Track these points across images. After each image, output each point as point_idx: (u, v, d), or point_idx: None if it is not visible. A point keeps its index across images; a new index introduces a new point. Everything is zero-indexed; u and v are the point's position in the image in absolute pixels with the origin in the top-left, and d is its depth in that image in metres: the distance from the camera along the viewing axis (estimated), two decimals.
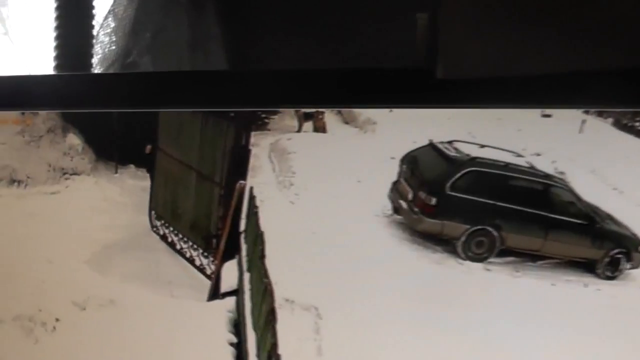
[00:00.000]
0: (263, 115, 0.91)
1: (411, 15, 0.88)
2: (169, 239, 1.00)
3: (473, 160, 0.87)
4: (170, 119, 0.97)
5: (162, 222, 1.00)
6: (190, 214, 0.99)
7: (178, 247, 0.99)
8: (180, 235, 0.99)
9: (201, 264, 0.98)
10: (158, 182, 0.99)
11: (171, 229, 1.00)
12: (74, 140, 0.97)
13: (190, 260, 0.99)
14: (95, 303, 0.97)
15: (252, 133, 0.92)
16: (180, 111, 0.96)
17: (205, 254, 0.97)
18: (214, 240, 0.96)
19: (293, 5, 1.26)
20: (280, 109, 0.91)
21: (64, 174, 0.98)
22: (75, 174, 0.98)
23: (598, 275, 0.86)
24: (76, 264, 0.98)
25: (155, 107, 0.92)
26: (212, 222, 0.97)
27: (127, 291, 0.97)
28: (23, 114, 0.98)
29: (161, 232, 1.00)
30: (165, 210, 0.99)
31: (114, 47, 1.25)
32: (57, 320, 0.99)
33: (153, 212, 0.99)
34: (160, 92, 0.92)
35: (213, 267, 0.97)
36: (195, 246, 0.99)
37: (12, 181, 0.99)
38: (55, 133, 0.97)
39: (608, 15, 0.78)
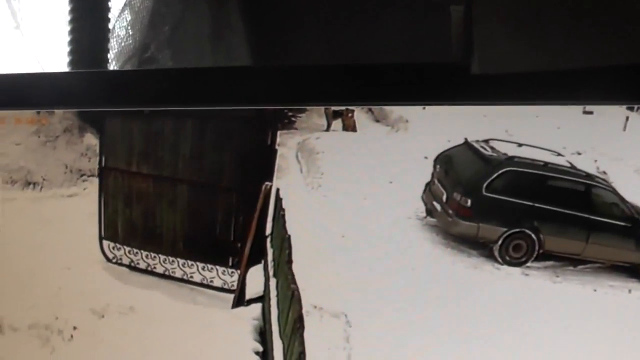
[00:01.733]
0: (290, 114, 0.89)
1: (445, 7, 0.86)
2: (145, 265, 0.97)
3: (510, 160, 0.85)
4: (124, 133, 0.94)
5: (129, 248, 0.96)
6: (180, 230, 0.95)
7: (161, 270, 0.96)
8: (163, 257, 0.96)
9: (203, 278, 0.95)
10: (112, 206, 0.96)
11: (145, 253, 0.96)
12: (91, 140, 0.94)
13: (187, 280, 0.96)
14: (114, 310, 0.95)
15: (279, 132, 0.89)
16: (151, 121, 0.93)
17: (210, 266, 0.94)
18: (233, 247, 0.93)
19: None
20: (308, 107, 0.89)
21: (81, 175, 0.96)
22: (93, 175, 0.96)
23: None
24: (94, 270, 0.96)
25: (177, 105, 0.90)
26: (223, 229, 0.93)
27: (148, 298, 0.95)
28: (38, 113, 0.96)
29: (126, 261, 0.97)
30: (133, 235, 0.96)
31: (130, 41, 1.24)
32: (74, 328, 0.97)
33: (108, 242, 0.96)
34: (181, 90, 0.91)
35: (227, 277, 0.94)
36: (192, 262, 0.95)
37: (28, 183, 0.97)
38: (72, 133, 0.95)
39: None
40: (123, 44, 1.25)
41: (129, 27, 1.25)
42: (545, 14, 0.79)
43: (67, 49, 1.24)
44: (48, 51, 1.35)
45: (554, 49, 0.79)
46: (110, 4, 1.24)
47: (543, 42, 0.79)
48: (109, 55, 1.24)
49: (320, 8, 1.27)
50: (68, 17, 1.23)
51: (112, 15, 1.25)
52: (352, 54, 1.23)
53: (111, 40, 1.25)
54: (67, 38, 1.23)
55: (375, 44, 1.21)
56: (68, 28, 1.23)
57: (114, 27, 1.26)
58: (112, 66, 1.23)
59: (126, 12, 1.26)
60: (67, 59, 1.23)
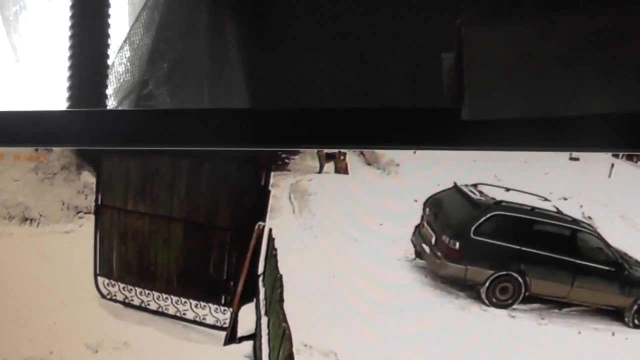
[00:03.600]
0: (283, 155, 0.89)
1: (437, 55, 0.87)
2: (139, 302, 0.97)
3: (498, 204, 0.86)
4: (121, 171, 0.95)
5: (124, 285, 0.97)
6: (174, 267, 0.96)
7: (155, 306, 0.96)
8: (157, 294, 0.96)
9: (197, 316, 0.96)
10: (108, 243, 0.96)
11: (139, 289, 0.97)
12: (88, 178, 0.95)
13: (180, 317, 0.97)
14: (108, 346, 0.95)
15: (272, 173, 0.90)
16: (147, 160, 0.94)
17: (203, 304, 0.95)
18: (226, 285, 0.94)
19: (319, 37, 1.26)
20: (301, 149, 0.89)
21: (78, 212, 0.96)
22: (89, 212, 0.96)
23: (626, 324, 0.85)
24: (89, 306, 0.96)
25: (173, 144, 0.90)
26: (216, 267, 0.94)
27: (142, 334, 0.95)
28: (37, 150, 0.96)
29: (121, 298, 0.97)
30: (128, 272, 0.97)
31: (129, 78, 1.24)
32: None
33: (103, 279, 0.96)
34: (178, 130, 0.91)
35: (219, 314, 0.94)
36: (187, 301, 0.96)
37: (25, 219, 0.97)
38: (69, 170, 0.95)
39: (637, 57, 0.76)
40: (122, 80, 1.25)
41: (128, 64, 1.25)
42: (534, 62, 0.79)
43: (67, 84, 1.24)
44: (48, 86, 1.35)
45: (540, 97, 0.80)
46: (110, 40, 1.24)
47: (532, 89, 0.80)
48: (107, 91, 1.24)
49: (320, 48, 1.28)
50: (68, 53, 1.24)
51: (112, 51, 1.25)
52: (346, 95, 1.24)
53: (110, 76, 1.25)
54: (67, 73, 1.24)
55: (369, 88, 1.21)
56: (68, 63, 1.23)
57: (113, 63, 1.26)
58: (111, 102, 1.23)
59: (125, 48, 1.26)
60: (66, 94, 1.23)
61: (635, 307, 0.85)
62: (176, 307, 0.95)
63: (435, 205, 0.87)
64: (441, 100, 0.88)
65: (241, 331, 0.94)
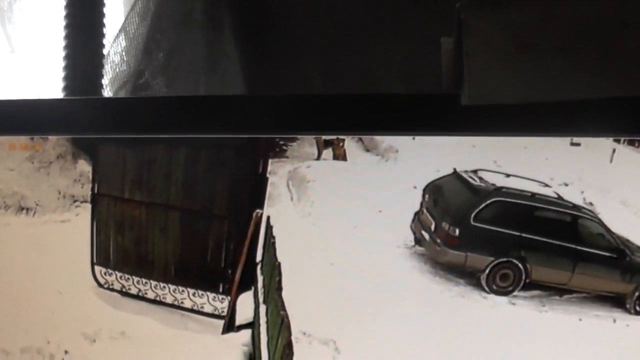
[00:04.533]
0: (281, 142, 0.89)
1: (437, 39, 0.87)
2: (137, 291, 0.97)
3: (498, 190, 0.85)
4: (118, 160, 0.95)
5: (121, 274, 0.96)
6: (172, 256, 0.95)
7: (152, 295, 0.96)
8: (155, 283, 0.96)
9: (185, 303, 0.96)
10: (105, 232, 0.96)
11: (136, 279, 0.96)
12: (84, 166, 0.94)
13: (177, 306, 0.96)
14: (106, 335, 0.95)
15: (270, 160, 0.90)
16: (144, 149, 0.93)
17: (201, 293, 0.94)
18: (224, 274, 0.93)
19: (315, 26, 1.25)
20: (299, 136, 0.89)
21: (75, 201, 0.96)
22: (86, 201, 0.96)
23: (627, 311, 0.84)
24: (86, 295, 0.96)
25: (170, 132, 0.90)
26: (214, 255, 0.94)
27: (139, 323, 0.95)
28: (32, 139, 0.96)
29: (118, 287, 0.97)
30: (125, 261, 0.96)
31: (125, 68, 1.23)
32: (66, 352, 0.97)
33: (100, 268, 0.96)
34: (174, 118, 0.91)
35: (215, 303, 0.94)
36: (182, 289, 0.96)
37: (21, 209, 0.97)
38: (65, 159, 0.95)
39: (636, 43, 0.76)
40: (117, 70, 1.24)
41: (124, 53, 1.25)
42: (534, 48, 0.79)
43: (62, 74, 1.23)
44: (43, 76, 1.34)
45: (541, 81, 0.79)
46: (105, 30, 1.24)
47: (531, 74, 0.79)
48: (103, 81, 1.24)
49: (316, 37, 1.28)
50: (63, 43, 1.23)
51: (107, 41, 1.25)
52: (345, 83, 1.23)
53: (106, 66, 1.25)
54: (62, 63, 1.23)
55: (370, 74, 1.21)
56: (63, 53, 1.23)
57: (108, 53, 1.25)
58: (106, 92, 1.23)
59: (121, 38, 1.25)
60: (61, 84, 1.23)
61: (637, 293, 0.84)
62: (174, 296, 0.95)
63: (434, 191, 0.86)
64: (440, 88, 0.88)
65: (239, 320, 0.94)
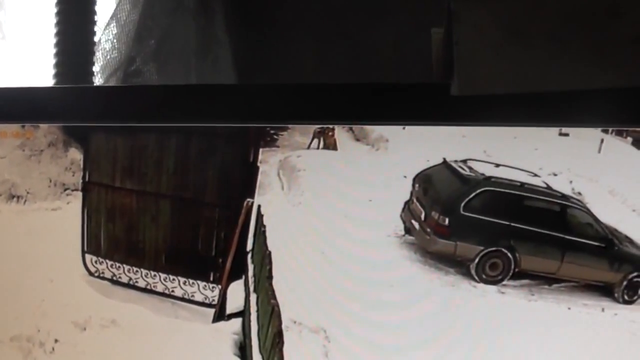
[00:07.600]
0: (272, 131, 0.89)
1: (427, 30, 0.87)
2: (127, 279, 0.97)
3: (488, 180, 0.85)
4: (109, 148, 0.95)
5: (112, 262, 0.96)
6: (162, 244, 0.95)
7: (143, 284, 0.96)
8: (145, 272, 0.96)
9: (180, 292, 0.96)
10: (95, 220, 0.96)
11: (127, 267, 0.96)
12: (75, 155, 0.94)
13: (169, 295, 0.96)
14: (96, 323, 0.95)
15: (261, 149, 0.90)
16: (135, 137, 0.93)
17: (192, 281, 0.95)
18: (214, 262, 0.93)
19: (305, 14, 1.25)
20: (290, 125, 0.89)
21: (65, 189, 0.96)
22: (77, 189, 0.96)
23: (616, 300, 0.85)
24: (77, 283, 0.96)
25: (161, 121, 0.90)
26: (205, 244, 0.94)
27: (130, 311, 0.95)
28: (23, 126, 0.96)
29: (109, 275, 0.97)
30: (115, 249, 0.96)
31: (116, 54, 1.23)
32: (56, 341, 0.97)
33: (90, 256, 0.96)
34: (165, 106, 0.91)
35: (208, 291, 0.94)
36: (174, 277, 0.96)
37: (12, 196, 0.97)
38: (56, 147, 0.95)
39: (629, 32, 0.77)
40: (109, 57, 1.24)
41: (115, 40, 1.25)
42: (524, 37, 0.79)
43: (53, 61, 1.23)
44: (34, 63, 1.34)
45: (530, 72, 0.79)
46: (96, 17, 1.23)
47: (520, 65, 0.79)
48: (94, 68, 1.23)
49: (307, 25, 1.28)
50: (54, 30, 1.23)
51: (98, 28, 1.24)
52: (335, 71, 1.23)
53: (97, 53, 1.24)
54: (53, 50, 1.23)
55: (359, 63, 1.21)
56: (54, 40, 1.23)
57: (99, 40, 1.25)
58: (98, 79, 1.23)
59: (112, 25, 1.25)
60: (52, 71, 1.23)
61: (625, 282, 0.85)
62: (164, 285, 0.95)
63: (424, 181, 0.87)
64: (430, 75, 0.88)
65: (230, 308, 0.94)
